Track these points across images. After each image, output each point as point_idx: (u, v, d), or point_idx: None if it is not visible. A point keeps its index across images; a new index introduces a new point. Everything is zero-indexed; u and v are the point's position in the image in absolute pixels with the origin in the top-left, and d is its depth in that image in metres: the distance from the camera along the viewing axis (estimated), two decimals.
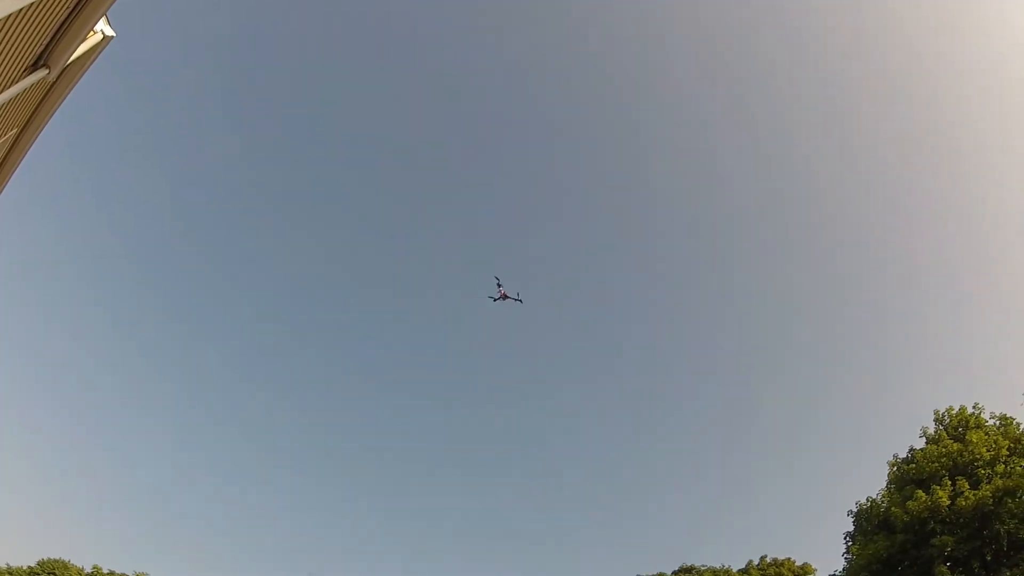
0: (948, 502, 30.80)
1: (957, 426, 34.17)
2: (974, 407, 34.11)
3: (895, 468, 37.40)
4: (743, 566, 55.00)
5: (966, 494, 30.05)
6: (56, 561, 55.90)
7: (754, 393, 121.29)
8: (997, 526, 27.71)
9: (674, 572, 61.35)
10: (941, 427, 35.47)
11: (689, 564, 60.72)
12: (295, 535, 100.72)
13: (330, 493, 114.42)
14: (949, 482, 31.57)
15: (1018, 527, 26.85)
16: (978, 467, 30.95)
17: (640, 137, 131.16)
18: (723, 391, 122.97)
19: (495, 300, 34.35)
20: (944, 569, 29.48)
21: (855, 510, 38.98)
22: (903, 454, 37.73)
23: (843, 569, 38.34)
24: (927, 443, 35.79)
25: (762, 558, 54.16)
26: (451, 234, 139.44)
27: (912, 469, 34.90)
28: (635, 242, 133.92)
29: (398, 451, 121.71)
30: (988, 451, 30.69)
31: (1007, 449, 30.36)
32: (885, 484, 37.75)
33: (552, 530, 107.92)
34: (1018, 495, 28.12)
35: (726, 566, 56.68)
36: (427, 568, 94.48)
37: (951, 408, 35.54)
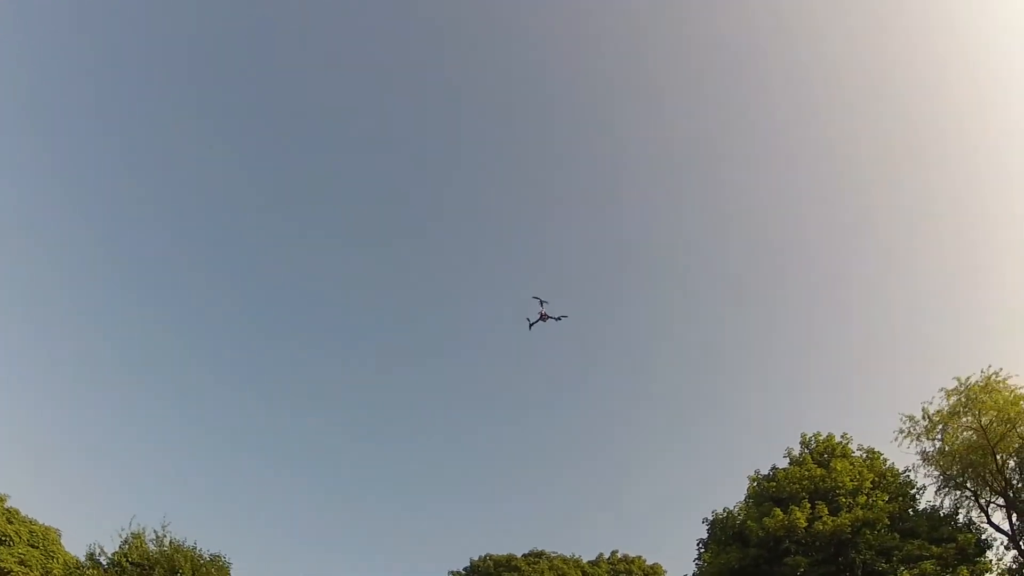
0: (805, 524, 31.64)
1: (823, 452, 35.46)
2: (842, 436, 35.65)
3: (755, 483, 38.33)
4: (593, 558, 55.76)
5: (825, 519, 30.98)
6: None
7: (627, 393, 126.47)
8: (853, 555, 28.70)
9: (524, 555, 61.27)
10: (807, 450, 36.74)
11: (540, 549, 60.86)
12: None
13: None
14: (808, 505, 32.51)
15: (875, 559, 27.90)
16: (839, 495, 32.12)
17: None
18: (594, 390, 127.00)
19: (532, 324, 29.47)
20: None
21: (711, 519, 39.88)
22: (765, 471, 39.06)
23: (693, 575, 39.08)
24: (791, 464, 36.93)
25: (613, 553, 55.28)
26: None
27: (772, 487, 35.80)
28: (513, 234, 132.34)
29: None
30: (852, 481, 31.93)
31: (871, 482, 31.74)
32: (744, 498, 38.80)
33: (400, 511, 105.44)
34: (877, 528, 29.30)
35: (576, 555, 57.25)
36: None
37: (819, 434, 36.93)
